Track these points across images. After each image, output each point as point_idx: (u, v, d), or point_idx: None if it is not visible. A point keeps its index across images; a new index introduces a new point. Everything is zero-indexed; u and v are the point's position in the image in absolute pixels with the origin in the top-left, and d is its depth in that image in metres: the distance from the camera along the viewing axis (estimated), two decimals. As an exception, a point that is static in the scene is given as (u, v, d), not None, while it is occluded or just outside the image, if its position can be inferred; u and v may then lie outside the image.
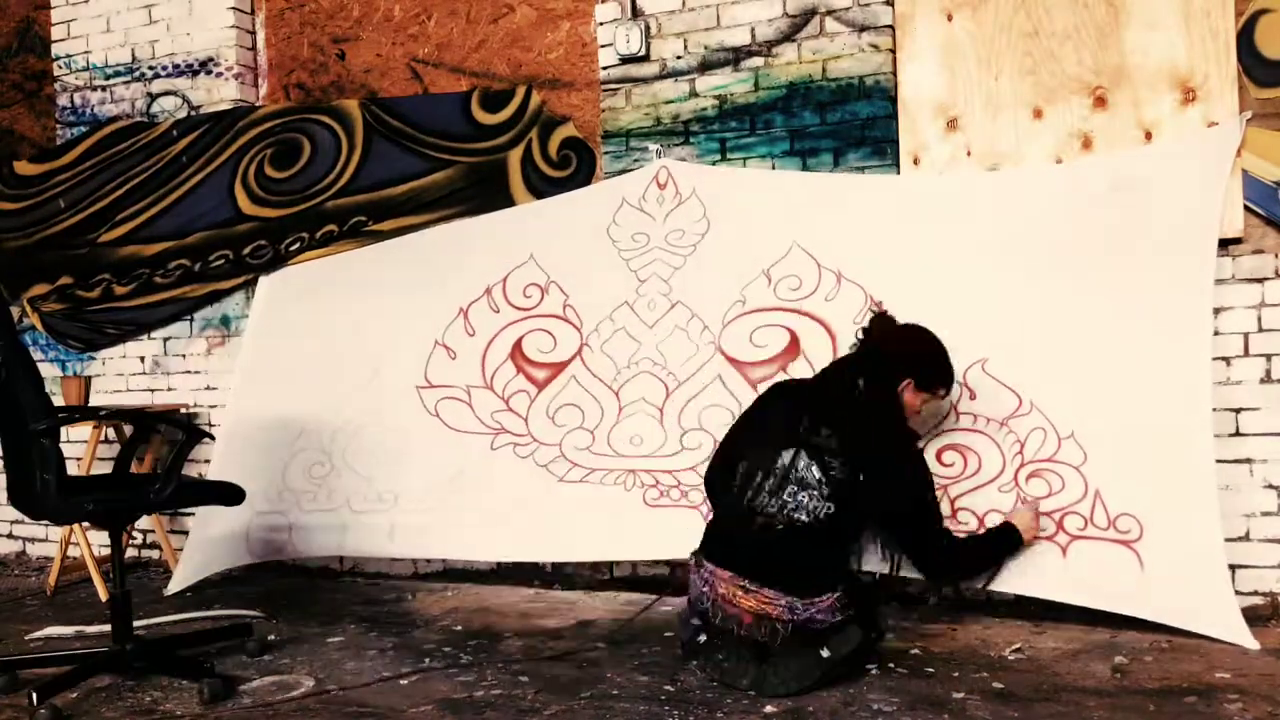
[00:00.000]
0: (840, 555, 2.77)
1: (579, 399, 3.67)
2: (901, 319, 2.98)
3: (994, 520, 3.01)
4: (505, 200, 4.06)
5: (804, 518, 2.66)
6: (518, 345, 3.82)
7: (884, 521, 2.87)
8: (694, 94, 3.79)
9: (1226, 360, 3.15)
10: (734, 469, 2.83)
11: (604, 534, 3.50)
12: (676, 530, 3.40)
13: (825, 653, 2.58)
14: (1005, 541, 2.91)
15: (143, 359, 4.65)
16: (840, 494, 2.68)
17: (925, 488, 2.83)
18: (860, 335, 2.95)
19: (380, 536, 3.79)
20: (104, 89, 4.75)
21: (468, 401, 3.83)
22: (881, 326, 2.92)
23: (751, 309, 3.52)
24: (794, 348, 3.43)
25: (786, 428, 2.78)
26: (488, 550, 3.73)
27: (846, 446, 2.71)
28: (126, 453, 3.21)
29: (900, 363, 2.85)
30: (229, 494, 3.01)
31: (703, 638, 2.72)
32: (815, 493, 2.69)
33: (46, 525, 4.76)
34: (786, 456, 2.72)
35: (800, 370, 3.39)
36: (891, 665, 2.75)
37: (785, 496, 2.69)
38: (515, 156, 4.08)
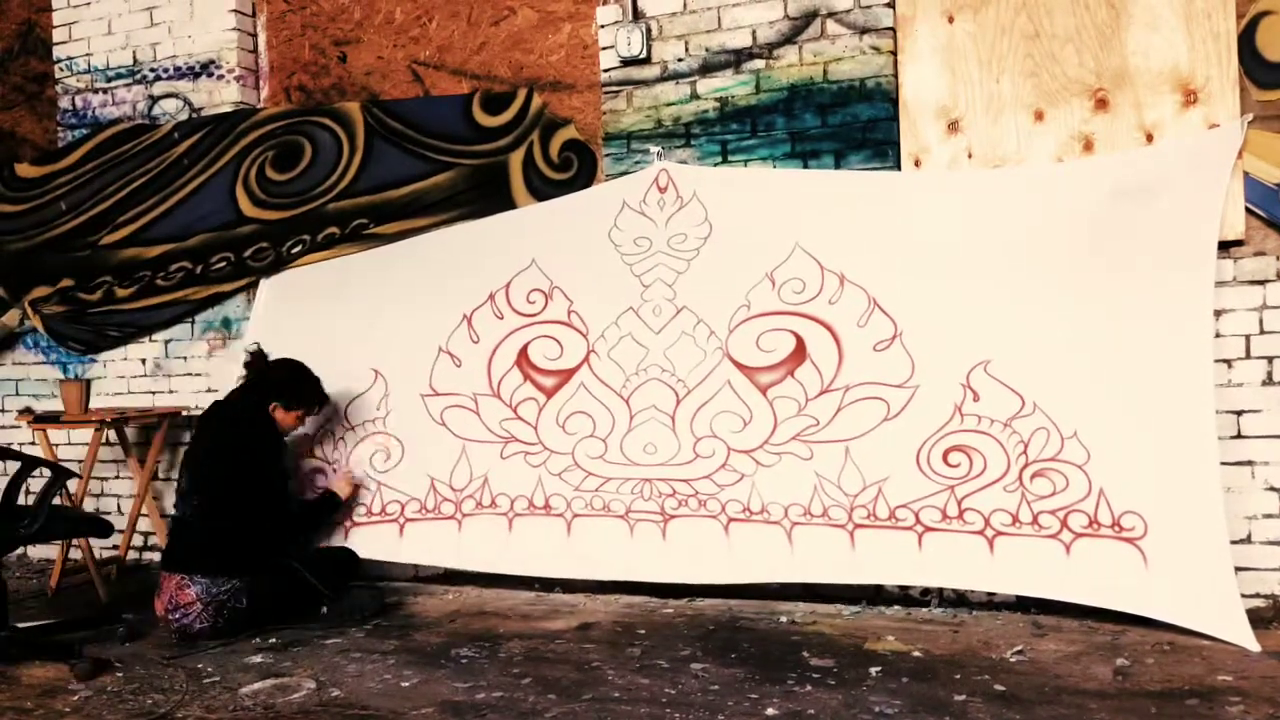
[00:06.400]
0: (238, 541, 3.34)
1: (589, 407, 3.66)
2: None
3: (999, 519, 3.08)
4: (506, 203, 4.06)
5: (183, 512, 3.41)
6: (523, 352, 3.81)
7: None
8: (695, 96, 3.79)
9: (1228, 363, 3.15)
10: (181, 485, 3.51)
11: (625, 549, 3.48)
12: (696, 546, 3.40)
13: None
14: (327, 505, 3.74)
15: (144, 361, 4.65)
16: (202, 491, 3.37)
17: (272, 473, 3.51)
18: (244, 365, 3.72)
19: (388, 545, 3.79)
20: (105, 91, 4.75)
21: (475, 410, 3.82)
22: (258, 360, 3.69)
23: (757, 313, 3.52)
24: (800, 352, 3.42)
25: (191, 444, 3.61)
26: (504, 563, 3.65)
27: (207, 454, 3.45)
28: (14, 485, 3.13)
29: (271, 389, 3.60)
30: (98, 526, 3.34)
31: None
32: (188, 494, 3.41)
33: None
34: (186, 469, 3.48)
35: (808, 375, 3.39)
36: (894, 667, 2.75)
37: (190, 501, 3.40)
38: (516, 159, 4.08)
